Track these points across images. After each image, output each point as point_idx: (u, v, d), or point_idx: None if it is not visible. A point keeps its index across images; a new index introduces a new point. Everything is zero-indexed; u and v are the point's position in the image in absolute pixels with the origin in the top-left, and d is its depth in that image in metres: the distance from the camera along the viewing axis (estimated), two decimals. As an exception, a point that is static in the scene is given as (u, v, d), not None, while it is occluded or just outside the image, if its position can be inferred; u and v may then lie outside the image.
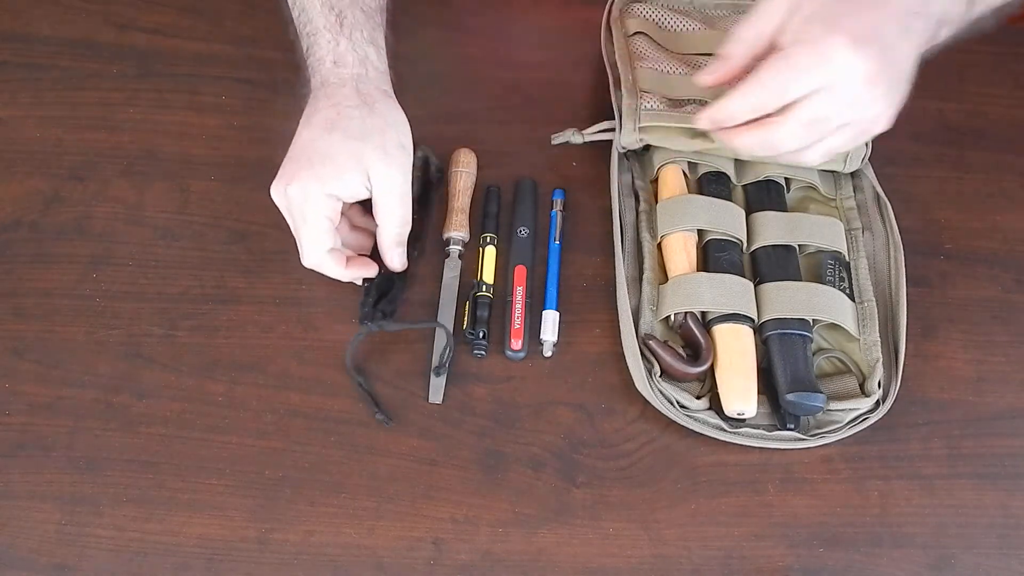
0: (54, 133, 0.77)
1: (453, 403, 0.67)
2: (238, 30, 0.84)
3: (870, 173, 0.75)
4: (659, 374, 0.66)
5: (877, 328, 0.68)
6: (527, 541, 0.63)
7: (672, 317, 0.68)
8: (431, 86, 0.81)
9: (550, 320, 0.69)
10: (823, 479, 0.66)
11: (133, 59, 0.82)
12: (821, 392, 0.64)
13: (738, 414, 0.65)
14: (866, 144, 0.73)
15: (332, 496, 0.63)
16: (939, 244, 0.76)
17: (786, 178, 0.75)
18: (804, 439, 0.66)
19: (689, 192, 0.73)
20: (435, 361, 0.68)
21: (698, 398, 0.66)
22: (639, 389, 0.66)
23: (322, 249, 0.66)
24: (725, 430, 0.65)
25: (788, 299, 0.68)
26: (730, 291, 0.68)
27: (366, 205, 0.68)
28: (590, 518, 0.64)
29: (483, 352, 0.69)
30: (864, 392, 0.67)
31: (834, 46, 0.57)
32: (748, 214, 0.73)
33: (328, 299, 0.70)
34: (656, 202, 0.74)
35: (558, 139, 0.78)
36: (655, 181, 0.75)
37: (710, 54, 0.79)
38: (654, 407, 0.66)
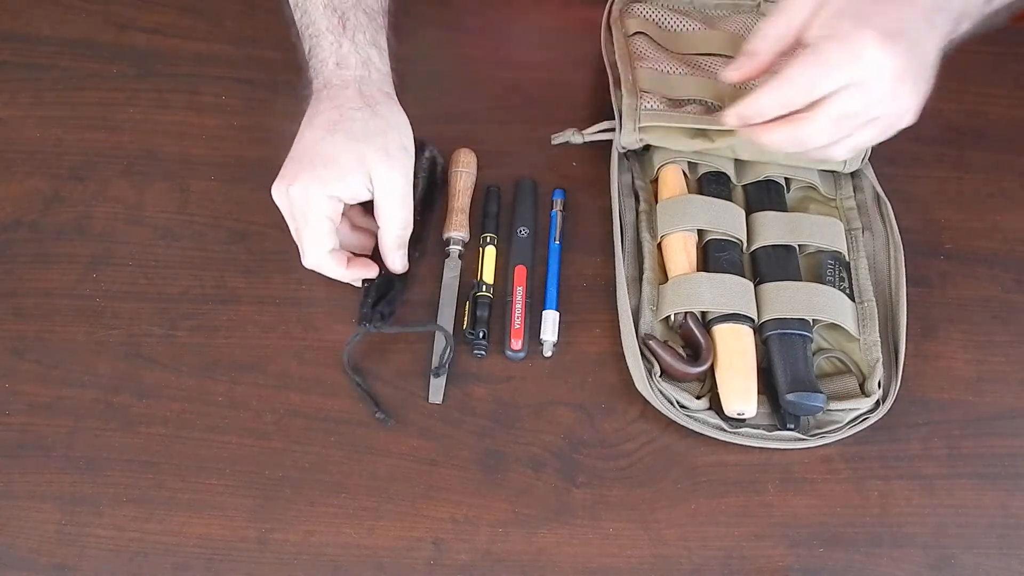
0: (54, 133, 0.77)
1: (453, 403, 0.67)
2: (238, 30, 0.84)
3: (870, 173, 0.75)
4: (659, 374, 0.66)
5: (877, 328, 0.68)
6: (527, 541, 0.63)
7: (672, 317, 0.68)
8: (431, 86, 0.81)
9: (550, 320, 0.69)
10: (823, 479, 0.66)
11: (133, 59, 0.82)
12: (821, 392, 0.64)
13: (738, 414, 0.65)
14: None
15: (332, 496, 0.63)
16: (939, 244, 0.76)
17: (786, 178, 0.75)
18: (804, 439, 0.66)
19: (689, 192, 0.73)
20: (435, 362, 0.68)
21: (698, 398, 0.66)
22: (639, 389, 0.66)
23: (323, 250, 0.66)
24: (725, 430, 0.65)
25: (788, 299, 0.68)
26: (730, 291, 0.68)
27: (367, 206, 0.68)
28: (590, 518, 0.64)
29: (483, 352, 0.69)
30: (864, 392, 0.67)
31: (864, 42, 0.57)
32: (748, 214, 0.73)
33: (328, 299, 0.70)
34: (656, 202, 0.74)
35: (558, 139, 0.78)
36: (655, 181, 0.75)
37: (710, 54, 0.79)
38: (654, 407, 0.66)
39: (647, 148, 0.76)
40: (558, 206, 0.75)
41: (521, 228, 0.74)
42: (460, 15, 0.87)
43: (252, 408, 0.66)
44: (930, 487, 0.66)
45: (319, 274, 0.69)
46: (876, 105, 0.60)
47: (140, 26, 0.84)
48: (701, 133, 0.73)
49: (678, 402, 0.66)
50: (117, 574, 0.60)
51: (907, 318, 0.69)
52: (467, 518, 0.63)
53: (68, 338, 0.68)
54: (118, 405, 0.66)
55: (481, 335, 0.69)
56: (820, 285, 0.69)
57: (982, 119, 0.83)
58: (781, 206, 0.74)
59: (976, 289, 0.74)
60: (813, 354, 0.68)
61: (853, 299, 0.70)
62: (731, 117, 0.64)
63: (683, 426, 0.66)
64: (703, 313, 0.68)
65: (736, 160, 0.75)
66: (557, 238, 0.74)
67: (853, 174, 0.76)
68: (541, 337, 0.69)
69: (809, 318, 0.68)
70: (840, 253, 0.71)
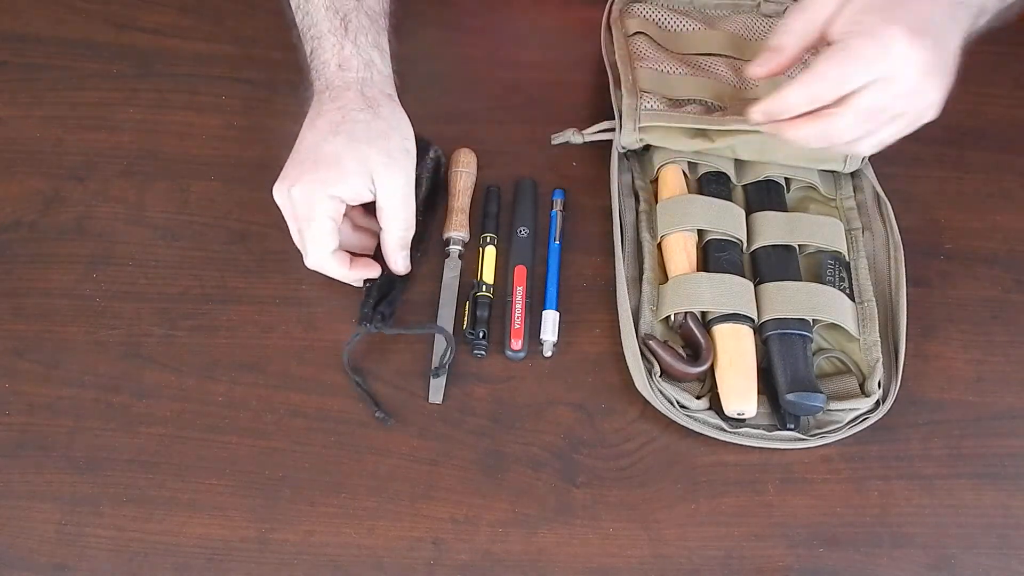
0: (54, 133, 0.78)
1: (453, 403, 0.67)
2: (238, 30, 0.84)
3: (870, 173, 0.75)
4: (659, 374, 0.66)
5: (877, 328, 0.68)
6: (527, 541, 0.63)
7: (672, 317, 0.68)
8: (431, 86, 0.81)
9: (550, 320, 0.69)
10: (823, 479, 0.66)
11: (133, 59, 0.82)
12: (821, 392, 0.64)
13: (738, 414, 0.65)
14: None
15: (332, 496, 0.63)
16: (939, 244, 0.76)
17: (786, 178, 0.75)
18: (804, 439, 0.66)
19: (689, 192, 0.73)
20: (434, 363, 0.68)
21: (698, 398, 0.66)
22: (639, 389, 0.66)
23: (326, 250, 0.66)
24: (725, 430, 0.65)
25: (788, 299, 0.68)
26: (730, 291, 0.68)
27: (368, 206, 0.68)
28: (590, 518, 0.64)
29: (483, 352, 0.69)
30: (864, 392, 0.66)
31: (893, 37, 0.57)
32: (748, 214, 0.73)
33: (328, 299, 0.70)
34: (656, 202, 0.74)
35: (558, 139, 0.78)
36: (655, 181, 0.75)
37: (710, 54, 0.80)
38: (654, 407, 0.66)
39: (647, 148, 0.76)
40: (558, 206, 0.75)
41: (521, 228, 0.74)
42: (460, 15, 0.87)
43: (252, 408, 0.66)
44: (930, 487, 0.66)
45: (319, 274, 0.69)
46: (903, 100, 0.60)
47: (140, 26, 0.84)
48: (701, 133, 0.73)
49: (678, 402, 0.66)
50: (117, 574, 0.60)
51: (907, 318, 0.69)
52: (467, 518, 0.63)
53: (68, 338, 0.68)
54: (118, 405, 0.66)
55: (481, 335, 0.69)
56: (820, 285, 0.69)
57: (982, 119, 0.83)
58: (781, 206, 0.74)
59: (976, 289, 0.74)
60: (813, 354, 0.68)
61: (853, 299, 0.70)
62: (757, 113, 0.63)
63: (683, 426, 0.66)
64: (703, 313, 0.68)
65: (736, 160, 0.75)
66: (557, 238, 0.74)
67: (853, 174, 0.76)
68: (541, 337, 0.69)
69: (809, 318, 0.68)
70: (840, 253, 0.71)
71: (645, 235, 0.72)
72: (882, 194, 0.74)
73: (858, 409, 0.66)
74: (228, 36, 0.84)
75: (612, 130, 0.76)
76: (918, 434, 0.68)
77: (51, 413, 0.65)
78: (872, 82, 0.58)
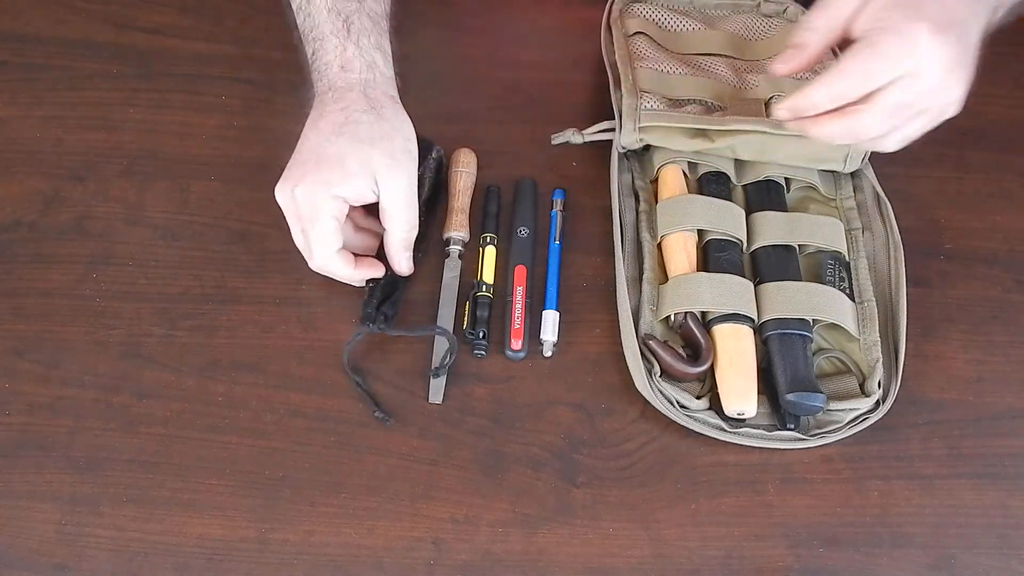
0: (54, 133, 0.78)
1: (453, 403, 0.67)
2: (238, 30, 0.84)
3: (870, 173, 0.75)
4: (659, 374, 0.66)
5: (877, 328, 0.68)
6: (527, 541, 0.63)
7: (672, 317, 0.68)
8: (431, 86, 0.81)
9: (550, 320, 0.69)
10: (823, 479, 0.66)
11: (133, 59, 0.82)
12: (821, 392, 0.64)
13: (738, 414, 0.65)
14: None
15: (332, 496, 0.63)
16: (939, 244, 0.76)
17: (786, 178, 0.75)
18: (804, 439, 0.66)
19: (689, 192, 0.73)
20: (435, 362, 0.68)
21: (698, 398, 0.66)
22: (639, 389, 0.66)
23: (331, 250, 0.66)
24: (725, 430, 0.65)
25: (788, 299, 0.68)
26: (730, 291, 0.68)
27: (369, 208, 0.68)
28: (590, 518, 0.64)
29: (483, 352, 0.69)
30: (864, 392, 0.66)
31: (919, 33, 0.58)
32: (748, 214, 0.73)
33: (328, 299, 0.70)
34: (656, 202, 0.74)
35: (558, 139, 0.78)
36: (655, 181, 0.75)
37: (710, 54, 0.80)
38: (654, 407, 0.66)
39: (647, 148, 0.76)
40: (558, 206, 0.75)
41: (521, 228, 0.74)
42: (460, 15, 0.87)
43: (252, 408, 0.66)
44: (930, 487, 0.66)
45: (319, 274, 0.69)
46: (928, 96, 0.60)
47: (140, 26, 0.84)
48: (701, 133, 0.73)
49: (678, 402, 0.66)
50: (117, 574, 0.60)
51: (907, 318, 0.69)
52: (467, 518, 0.63)
53: (68, 338, 0.68)
54: (118, 405, 0.66)
55: (481, 335, 0.69)
56: (820, 285, 0.69)
57: (982, 119, 0.82)
58: (781, 206, 0.74)
59: (976, 289, 0.74)
60: (813, 354, 0.68)
61: (853, 299, 0.70)
62: (782, 111, 0.63)
63: (683, 426, 0.66)
64: (703, 313, 0.68)
65: (736, 160, 0.75)
66: (557, 238, 0.74)
67: (853, 174, 0.76)
68: (541, 337, 0.69)
69: (809, 318, 0.68)
70: (840, 253, 0.71)
71: (645, 235, 0.72)
72: (882, 194, 0.74)
73: (858, 409, 0.66)
74: (228, 36, 0.84)
75: (612, 130, 0.76)
76: (918, 434, 0.68)
77: (51, 413, 0.65)
78: (898, 78, 0.59)
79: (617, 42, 0.79)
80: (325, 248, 0.66)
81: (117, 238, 0.73)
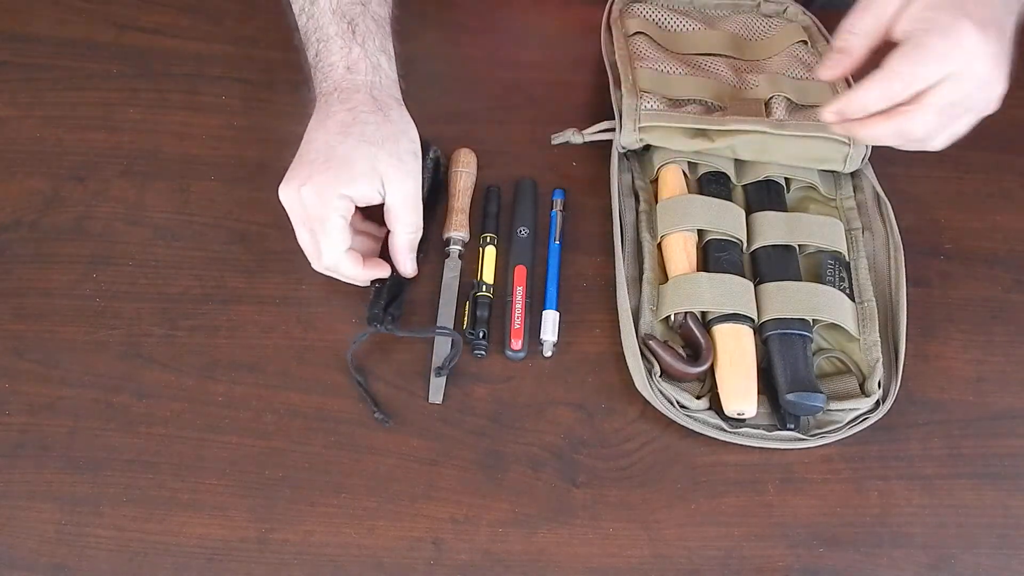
0: (54, 133, 0.78)
1: (453, 403, 0.67)
2: (238, 30, 0.84)
3: (870, 173, 0.75)
4: (659, 374, 0.66)
5: (877, 328, 0.68)
6: (527, 541, 0.63)
7: (672, 317, 0.68)
8: (431, 86, 0.81)
9: (550, 320, 0.69)
10: (823, 479, 0.66)
11: (133, 59, 0.82)
12: (821, 392, 0.64)
13: (738, 414, 0.65)
14: (866, 144, 0.73)
15: (332, 496, 0.63)
16: (939, 244, 0.76)
17: (786, 178, 0.75)
18: (804, 439, 0.66)
19: (689, 192, 0.73)
20: (436, 362, 0.68)
21: (698, 398, 0.66)
22: (639, 389, 0.66)
23: (341, 250, 0.66)
24: (725, 430, 0.65)
25: (788, 299, 0.68)
26: (730, 291, 0.68)
27: (366, 210, 0.68)
28: (590, 518, 0.64)
29: (483, 352, 0.69)
30: (864, 392, 0.66)
31: (964, 32, 0.58)
32: (748, 214, 0.73)
33: (328, 299, 0.70)
34: (656, 202, 0.74)
35: (558, 139, 0.78)
36: (655, 181, 0.75)
37: (710, 54, 0.80)
38: (654, 407, 0.66)
39: (647, 148, 0.76)
40: (558, 206, 0.75)
41: (521, 228, 0.74)
42: (461, 15, 0.87)
43: (252, 408, 0.66)
44: (930, 487, 0.66)
45: (319, 274, 0.69)
46: (975, 93, 0.61)
47: (140, 26, 0.84)
48: (701, 133, 0.73)
49: (678, 402, 0.66)
50: (117, 574, 0.60)
51: (907, 318, 0.69)
52: (467, 518, 0.63)
53: (68, 338, 0.68)
54: (118, 405, 0.66)
55: (481, 335, 0.69)
56: (820, 285, 0.69)
57: (982, 119, 0.82)
58: (781, 206, 0.74)
59: (976, 289, 0.74)
60: (813, 354, 0.68)
61: (853, 299, 0.70)
62: (829, 114, 0.64)
63: (683, 426, 0.66)
64: (703, 313, 0.68)
65: (736, 160, 0.75)
66: (557, 238, 0.74)
67: (853, 174, 0.76)
68: (541, 337, 0.69)
69: (809, 318, 0.68)
70: (840, 253, 0.71)
71: (645, 235, 0.72)
72: (882, 194, 0.74)
73: (858, 409, 0.66)
74: (228, 36, 0.84)
75: (612, 130, 0.76)
76: (918, 434, 0.68)
77: (51, 413, 0.65)
78: (945, 77, 0.59)
79: (617, 42, 0.79)
80: (334, 248, 0.66)
81: (117, 238, 0.73)
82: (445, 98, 0.81)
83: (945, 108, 0.61)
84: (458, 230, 0.73)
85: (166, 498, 0.63)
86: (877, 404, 0.67)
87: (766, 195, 0.74)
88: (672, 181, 0.74)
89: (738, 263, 0.70)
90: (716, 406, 0.66)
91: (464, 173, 0.75)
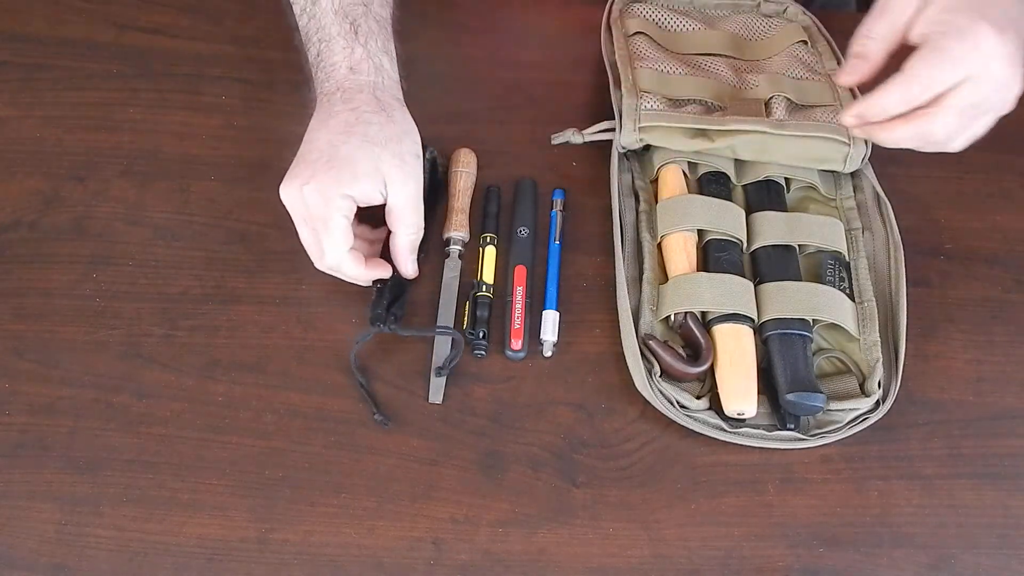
0: (54, 133, 0.78)
1: (453, 403, 0.67)
2: (238, 30, 0.84)
3: (870, 173, 0.75)
4: (659, 374, 0.66)
5: (877, 328, 0.68)
6: (527, 541, 0.63)
7: (672, 317, 0.68)
8: (432, 86, 0.81)
9: (550, 320, 0.69)
10: (823, 479, 0.66)
11: (133, 59, 0.82)
12: (821, 392, 0.64)
13: (738, 414, 0.65)
14: (866, 144, 0.73)
15: (332, 496, 0.63)
16: (939, 244, 0.76)
17: (786, 178, 0.75)
18: (804, 439, 0.66)
19: (689, 192, 0.73)
20: (437, 362, 0.68)
21: (698, 398, 0.66)
22: (639, 389, 0.66)
23: (343, 249, 0.66)
24: (725, 430, 0.65)
25: (788, 299, 0.68)
26: (730, 291, 0.68)
27: (362, 212, 0.68)
28: (590, 518, 0.64)
29: (483, 352, 0.69)
30: (864, 392, 0.66)
31: (982, 34, 0.59)
32: (748, 214, 0.73)
33: (328, 299, 0.70)
34: (656, 202, 0.74)
35: (558, 139, 0.78)
36: (655, 181, 0.75)
37: (710, 54, 0.80)
38: (654, 407, 0.66)
39: (647, 148, 0.76)
40: (558, 206, 0.75)
41: (521, 228, 0.74)
42: (461, 15, 0.87)
43: (252, 408, 0.66)
44: (930, 487, 0.66)
45: (319, 274, 0.69)
46: (994, 94, 0.61)
47: (140, 26, 0.84)
48: (701, 133, 0.73)
49: (678, 402, 0.66)
50: (117, 574, 0.60)
51: (907, 318, 0.69)
52: (467, 518, 0.63)
53: (68, 338, 0.68)
54: (118, 405, 0.66)
55: (481, 335, 0.69)
56: (820, 285, 0.69)
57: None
58: (781, 206, 0.74)
59: (976, 289, 0.74)
60: (813, 354, 0.68)
61: (853, 299, 0.70)
62: (849, 117, 0.64)
63: (683, 426, 0.66)
64: (703, 313, 0.68)
65: (736, 160, 0.75)
66: (557, 238, 0.74)
67: (853, 174, 0.76)
68: (541, 337, 0.69)
69: (809, 318, 0.68)
70: (840, 253, 0.71)
71: (645, 235, 0.72)
72: (882, 194, 0.74)
73: (858, 409, 0.66)
74: (228, 36, 0.84)
75: (612, 130, 0.76)
76: (918, 434, 0.68)
77: (51, 413, 0.65)
78: (964, 80, 0.59)
79: (617, 42, 0.79)
80: (337, 247, 0.66)
81: (117, 238, 0.73)
82: (445, 98, 0.81)
83: (965, 110, 0.61)
84: (458, 230, 0.73)
85: (166, 498, 0.63)
86: (877, 404, 0.67)
87: (766, 195, 0.74)
88: (672, 181, 0.74)
89: (738, 263, 0.70)
90: (716, 406, 0.66)
91: (464, 173, 0.75)
